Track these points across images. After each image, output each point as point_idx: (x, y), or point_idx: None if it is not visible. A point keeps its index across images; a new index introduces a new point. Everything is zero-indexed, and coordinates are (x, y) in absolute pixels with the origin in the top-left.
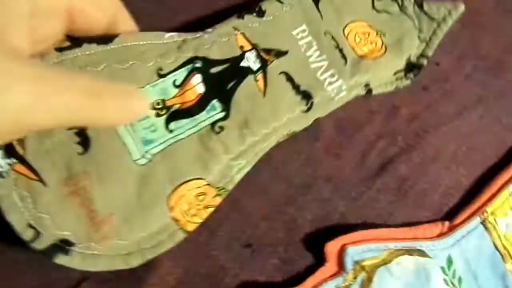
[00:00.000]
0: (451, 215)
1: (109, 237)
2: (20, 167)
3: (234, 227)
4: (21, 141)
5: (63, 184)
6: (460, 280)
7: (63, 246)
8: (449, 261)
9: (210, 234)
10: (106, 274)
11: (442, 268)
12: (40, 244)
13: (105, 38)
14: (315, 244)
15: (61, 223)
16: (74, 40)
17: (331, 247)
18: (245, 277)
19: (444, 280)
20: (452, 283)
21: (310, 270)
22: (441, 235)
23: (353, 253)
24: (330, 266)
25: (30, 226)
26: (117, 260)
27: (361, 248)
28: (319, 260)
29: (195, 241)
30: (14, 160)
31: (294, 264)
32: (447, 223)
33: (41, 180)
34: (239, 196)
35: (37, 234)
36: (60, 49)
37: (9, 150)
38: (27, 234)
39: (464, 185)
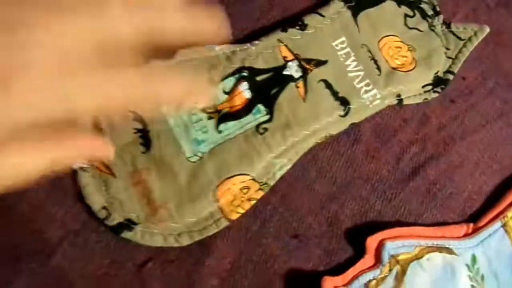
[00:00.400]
0: (474, 218)
1: (164, 220)
2: (97, 163)
3: (283, 220)
4: None
5: (130, 177)
6: (482, 277)
7: (128, 224)
8: (473, 260)
9: (261, 225)
10: (169, 256)
11: (467, 266)
12: (111, 222)
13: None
14: (354, 238)
15: (127, 206)
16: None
17: (371, 241)
18: (292, 265)
19: (469, 276)
20: (475, 280)
21: (350, 261)
22: (466, 235)
23: (390, 247)
24: (368, 258)
25: (104, 208)
26: (170, 239)
27: (396, 244)
28: (358, 252)
29: (248, 230)
30: None
31: (336, 255)
32: (471, 225)
33: (112, 174)
34: (287, 191)
35: (109, 214)
36: None
37: None
38: (101, 214)
39: (486, 191)
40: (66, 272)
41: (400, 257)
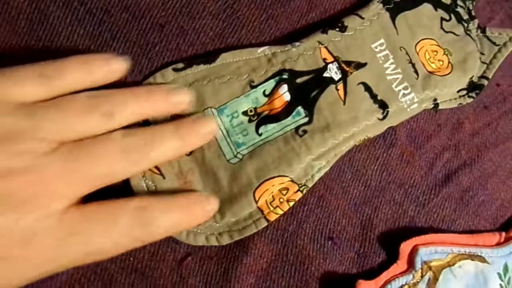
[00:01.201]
0: (505, 227)
1: (207, 220)
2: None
3: (319, 221)
4: None
5: (177, 178)
6: None
7: None
8: (505, 269)
9: (297, 225)
10: (208, 252)
11: (499, 274)
12: None
13: (209, 59)
14: (387, 242)
15: None
16: (186, 62)
17: (405, 246)
18: (327, 268)
19: (500, 285)
20: None
21: (382, 265)
22: (499, 244)
23: (423, 253)
24: (401, 263)
25: None
26: (211, 238)
27: (429, 250)
28: (390, 257)
29: (285, 230)
30: None
31: (368, 258)
32: (503, 234)
33: (161, 174)
34: (324, 193)
35: None
36: (176, 69)
37: None
38: None
39: None
40: (106, 265)
41: (432, 264)
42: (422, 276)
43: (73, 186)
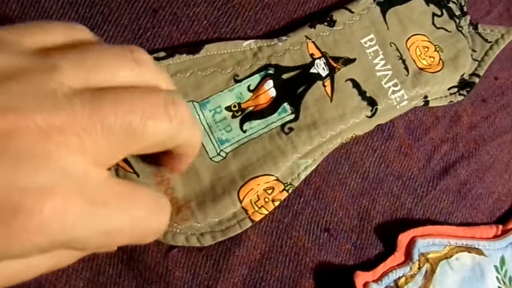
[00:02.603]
0: (502, 220)
1: (187, 219)
2: (120, 162)
3: (315, 212)
4: None
5: (152, 176)
6: (510, 279)
7: None
8: (502, 261)
9: (293, 217)
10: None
11: (496, 267)
12: None
13: (193, 49)
14: (384, 234)
15: None
16: (168, 51)
17: (403, 238)
18: (322, 259)
19: (497, 277)
20: (503, 281)
21: (379, 257)
22: (495, 237)
23: (421, 245)
24: (399, 255)
25: None
26: (192, 239)
27: (427, 242)
28: (387, 248)
29: (280, 221)
30: None
31: (365, 250)
32: (500, 226)
33: (135, 172)
34: (320, 184)
35: None
36: (157, 58)
37: None
38: None
39: None
40: (94, 255)
41: (430, 256)
42: (419, 268)
43: (93, 140)
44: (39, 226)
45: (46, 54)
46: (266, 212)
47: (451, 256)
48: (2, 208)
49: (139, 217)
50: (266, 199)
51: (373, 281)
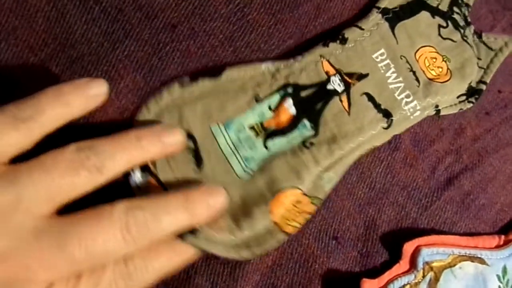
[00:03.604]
0: (504, 230)
1: (224, 230)
2: (152, 180)
3: (324, 221)
4: (153, 162)
5: None
6: None
7: (192, 231)
8: (504, 271)
9: (304, 225)
10: None
11: (498, 276)
12: None
13: (215, 73)
14: (389, 242)
15: None
16: (192, 77)
17: (408, 247)
18: (330, 266)
19: (499, 286)
20: None
21: (384, 265)
22: (498, 246)
23: (425, 254)
24: (404, 263)
25: None
26: (231, 250)
27: (431, 251)
28: (392, 257)
29: None
30: (149, 175)
31: (371, 258)
32: (503, 237)
33: (163, 186)
34: (330, 194)
35: None
36: (182, 85)
37: (144, 168)
38: None
39: None
40: None
41: (434, 264)
42: (423, 276)
43: (59, 271)
44: None
45: (9, 180)
46: (298, 225)
47: (454, 265)
48: None
49: None
50: (296, 213)
51: None
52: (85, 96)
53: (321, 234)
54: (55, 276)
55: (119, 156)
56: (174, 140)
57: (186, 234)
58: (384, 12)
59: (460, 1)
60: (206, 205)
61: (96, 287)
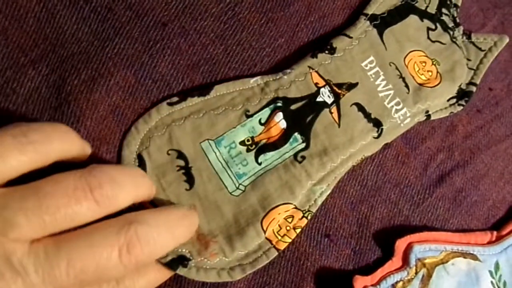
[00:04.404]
0: (496, 226)
1: (216, 254)
2: (144, 202)
3: (316, 219)
4: None
5: None
6: (505, 284)
7: (182, 261)
8: (496, 266)
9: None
10: None
11: (490, 272)
12: (164, 259)
13: (203, 91)
14: (382, 240)
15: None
16: (181, 95)
17: (400, 243)
18: (323, 263)
19: (492, 282)
20: (498, 286)
21: (377, 262)
22: (490, 242)
23: (417, 251)
24: (396, 260)
25: None
26: (223, 273)
27: (424, 247)
28: (385, 254)
29: None
30: None
31: (364, 255)
32: (495, 233)
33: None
34: None
35: None
36: (170, 104)
37: None
38: None
39: (509, 201)
40: None
41: (426, 261)
42: (416, 273)
43: None
44: None
45: (1, 203)
46: (289, 240)
47: (447, 261)
48: None
49: None
50: (288, 228)
51: (372, 285)
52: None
53: (313, 232)
54: None
55: (127, 189)
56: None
57: (177, 265)
58: (372, 18)
59: (448, 2)
60: (184, 225)
61: None
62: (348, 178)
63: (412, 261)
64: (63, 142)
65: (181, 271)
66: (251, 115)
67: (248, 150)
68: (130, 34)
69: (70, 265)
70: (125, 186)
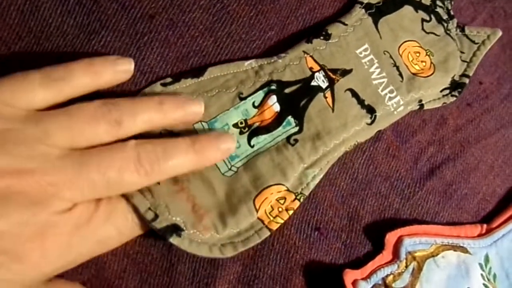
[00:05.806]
0: (487, 219)
1: (208, 228)
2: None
3: (306, 212)
4: None
5: (172, 184)
6: (494, 276)
7: (176, 230)
8: (486, 259)
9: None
10: None
11: (480, 265)
12: (159, 224)
13: (197, 72)
14: (373, 233)
15: (173, 210)
16: (174, 76)
17: (390, 237)
18: (313, 257)
19: (482, 275)
20: (487, 279)
21: (368, 256)
22: (480, 235)
23: (408, 244)
24: (386, 254)
25: (150, 209)
26: (214, 249)
27: (414, 241)
28: (376, 247)
29: None
30: None
31: (355, 249)
32: (485, 226)
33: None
34: None
35: (156, 216)
36: (164, 84)
37: None
38: (148, 215)
39: (499, 194)
40: None
41: (416, 254)
42: (406, 266)
43: (81, 192)
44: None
45: (37, 119)
46: (282, 221)
47: (437, 254)
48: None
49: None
50: (280, 209)
51: (362, 279)
52: (114, 70)
53: (303, 225)
54: (78, 198)
55: (140, 115)
56: (195, 110)
57: (171, 233)
58: (367, 7)
59: None
60: (216, 148)
61: (111, 213)
62: (338, 171)
63: (403, 255)
64: (86, 75)
65: (174, 239)
66: (245, 98)
67: (241, 133)
68: (116, 27)
69: (100, 165)
70: (138, 111)
